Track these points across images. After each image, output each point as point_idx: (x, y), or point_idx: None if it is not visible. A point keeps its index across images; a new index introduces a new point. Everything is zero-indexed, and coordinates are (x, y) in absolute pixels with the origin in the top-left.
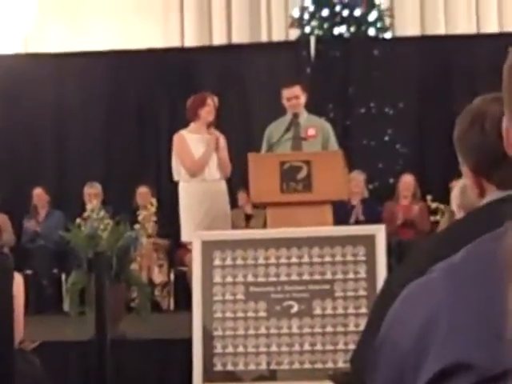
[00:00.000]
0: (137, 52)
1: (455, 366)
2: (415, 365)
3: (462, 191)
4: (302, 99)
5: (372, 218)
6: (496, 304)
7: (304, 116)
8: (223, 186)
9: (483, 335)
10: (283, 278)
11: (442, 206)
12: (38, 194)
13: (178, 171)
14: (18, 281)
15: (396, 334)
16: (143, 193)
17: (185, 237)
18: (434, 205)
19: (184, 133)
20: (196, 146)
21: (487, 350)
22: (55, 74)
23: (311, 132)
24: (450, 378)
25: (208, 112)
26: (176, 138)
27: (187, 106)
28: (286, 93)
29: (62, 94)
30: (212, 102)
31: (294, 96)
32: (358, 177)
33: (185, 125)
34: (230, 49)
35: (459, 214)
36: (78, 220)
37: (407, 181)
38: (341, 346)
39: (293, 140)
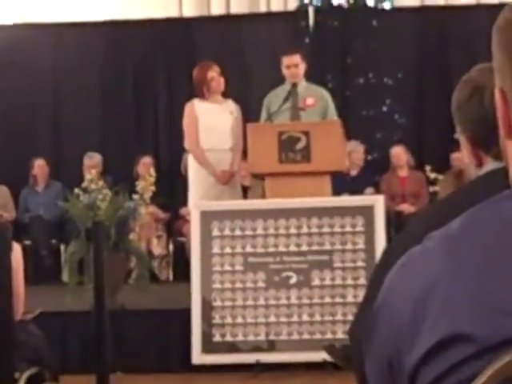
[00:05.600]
0: (135, 22)
1: (453, 337)
2: (412, 333)
3: None
4: (302, 68)
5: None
6: (496, 273)
7: (303, 85)
8: (230, 157)
9: (482, 305)
10: (282, 249)
11: (440, 177)
12: (40, 165)
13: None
14: (17, 251)
15: (393, 301)
16: (142, 163)
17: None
18: (432, 175)
19: (195, 102)
20: (207, 115)
21: (486, 320)
22: (53, 45)
23: (309, 101)
24: (448, 348)
25: (217, 80)
26: (186, 108)
27: (194, 76)
28: (286, 61)
29: (60, 64)
30: (218, 69)
31: (294, 64)
32: (358, 148)
33: (183, 94)
34: (228, 19)
35: None
36: (77, 190)
37: (397, 152)
38: (339, 317)
39: (291, 110)
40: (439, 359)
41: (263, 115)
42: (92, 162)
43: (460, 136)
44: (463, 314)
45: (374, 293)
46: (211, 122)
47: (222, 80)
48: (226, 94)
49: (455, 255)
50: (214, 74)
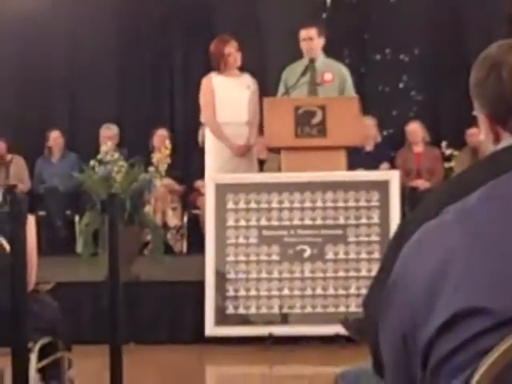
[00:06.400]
0: None
1: (470, 310)
2: (428, 304)
3: None
4: (317, 42)
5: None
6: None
7: (321, 60)
8: (247, 130)
9: (498, 280)
10: (296, 222)
11: (456, 153)
12: (55, 136)
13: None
14: (31, 223)
15: (409, 274)
16: (158, 135)
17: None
18: (448, 151)
19: (213, 75)
20: (224, 89)
21: (502, 294)
22: (70, 15)
23: (327, 77)
24: (464, 321)
25: (234, 56)
26: (204, 81)
27: (211, 49)
28: (302, 34)
29: (76, 35)
30: (236, 44)
31: (309, 37)
32: (369, 122)
33: (200, 68)
34: None
35: None
36: (92, 162)
37: (413, 129)
38: (353, 291)
39: (309, 84)
40: (455, 332)
41: (281, 89)
42: (109, 133)
43: (478, 113)
44: (479, 288)
45: (388, 266)
46: (228, 95)
47: (239, 55)
48: (243, 68)
49: (471, 229)
50: (232, 50)
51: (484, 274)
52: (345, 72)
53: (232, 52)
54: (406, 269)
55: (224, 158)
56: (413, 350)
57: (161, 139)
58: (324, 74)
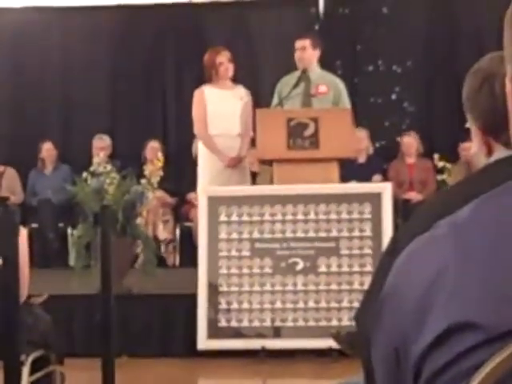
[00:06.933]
0: (145, 7)
1: (461, 325)
2: (419, 320)
3: None
4: (311, 53)
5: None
6: (504, 262)
7: (316, 72)
8: (239, 142)
9: (489, 294)
10: (289, 235)
11: (448, 165)
12: (47, 148)
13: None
14: (23, 235)
15: (401, 288)
16: (151, 147)
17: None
18: (440, 163)
19: (205, 88)
20: (216, 101)
21: (494, 309)
22: (62, 28)
23: (322, 89)
24: (456, 336)
25: (226, 66)
26: (196, 94)
27: (204, 60)
28: (296, 44)
29: (69, 47)
30: (228, 54)
31: (301, 47)
32: (360, 134)
33: (192, 80)
34: (238, 5)
35: None
36: (85, 174)
37: (408, 142)
38: (345, 304)
39: (303, 96)
40: (446, 347)
41: (274, 101)
42: (102, 143)
43: (471, 125)
44: (471, 302)
45: (380, 280)
46: (220, 107)
47: (230, 66)
48: (236, 80)
49: (463, 243)
50: (223, 60)
51: (476, 289)
52: (340, 85)
53: (223, 61)
54: (398, 283)
55: (216, 169)
56: (405, 364)
57: (153, 151)
58: (319, 86)
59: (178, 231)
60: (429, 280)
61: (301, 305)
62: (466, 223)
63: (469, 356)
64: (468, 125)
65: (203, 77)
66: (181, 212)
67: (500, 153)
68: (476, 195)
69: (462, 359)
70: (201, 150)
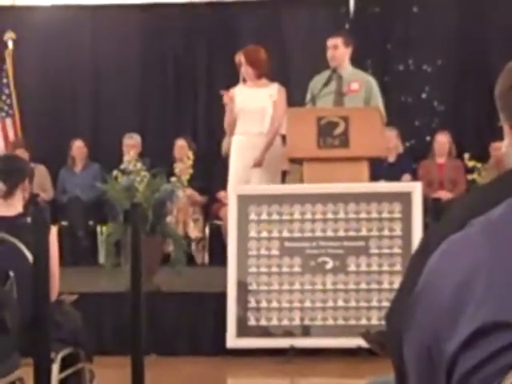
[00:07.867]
0: (175, 5)
1: (494, 324)
2: (452, 319)
3: None
4: (342, 51)
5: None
6: None
7: (348, 70)
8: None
9: None
10: (318, 234)
11: (478, 165)
12: (78, 146)
13: None
14: (52, 233)
15: (434, 287)
16: (181, 146)
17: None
18: (470, 163)
19: (239, 86)
20: (243, 99)
21: None
22: (92, 27)
23: (354, 86)
24: (489, 335)
25: (244, 67)
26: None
27: (237, 61)
28: (328, 42)
29: (99, 46)
30: (264, 54)
31: (333, 45)
32: (389, 133)
33: (223, 78)
34: (270, 4)
35: None
36: (115, 172)
37: (442, 140)
38: (374, 303)
39: (335, 94)
40: (480, 346)
41: (308, 99)
42: (132, 142)
43: (503, 124)
44: (505, 301)
45: (412, 279)
46: (246, 105)
47: (247, 67)
48: (270, 78)
49: (497, 242)
50: (240, 60)
51: (510, 287)
52: (372, 83)
53: (241, 62)
54: (432, 282)
55: (246, 168)
56: (438, 362)
57: (183, 150)
58: (351, 84)
59: (207, 230)
60: (462, 279)
61: (330, 304)
62: (499, 222)
63: (503, 355)
64: (501, 123)
65: (233, 75)
66: (210, 210)
67: None
68: (508, 194)
69: (496, 358)
70: (232, 148)
